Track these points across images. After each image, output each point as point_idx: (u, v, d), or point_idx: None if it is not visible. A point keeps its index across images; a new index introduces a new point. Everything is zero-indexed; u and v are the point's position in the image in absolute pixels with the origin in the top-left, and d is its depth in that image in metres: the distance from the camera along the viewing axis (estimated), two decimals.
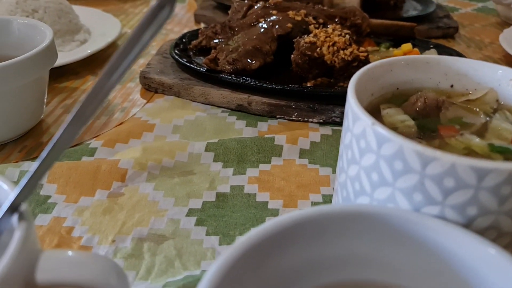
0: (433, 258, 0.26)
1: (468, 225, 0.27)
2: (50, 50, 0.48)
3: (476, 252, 0.24)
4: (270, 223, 0.25)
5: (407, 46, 0.65)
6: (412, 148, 0.27)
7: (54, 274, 0.23)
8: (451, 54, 0.68)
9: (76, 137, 0.25)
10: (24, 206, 0.24)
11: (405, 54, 0.64)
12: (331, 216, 0.25)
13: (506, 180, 0.25)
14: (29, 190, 0.24)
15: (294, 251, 0.26)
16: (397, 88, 0.38)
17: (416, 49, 0.65)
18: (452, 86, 0.39)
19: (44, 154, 0.24)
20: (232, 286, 0.23)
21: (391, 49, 0.67)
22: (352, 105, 0.31)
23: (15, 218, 0.24)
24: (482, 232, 0.27)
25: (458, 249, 0.25)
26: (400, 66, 0.38)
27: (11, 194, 0.24)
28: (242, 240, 0.24)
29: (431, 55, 0.40)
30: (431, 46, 0.70)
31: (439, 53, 0.68)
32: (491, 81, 0.38)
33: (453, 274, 0.25)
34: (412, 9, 0.94)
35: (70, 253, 0.24)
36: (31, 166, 0.45)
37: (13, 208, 0.24)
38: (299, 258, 0.26)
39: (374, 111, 0.36)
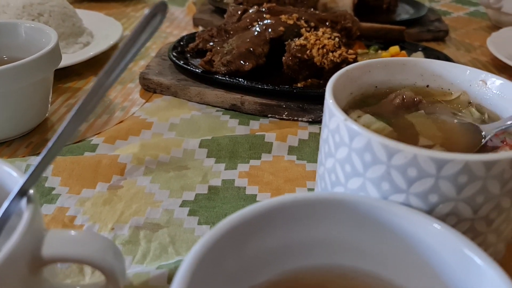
0: (399, 241, 0.29)
1: (430, 211, 0.30)
2: (55, 52, 0.52)
3: (434, 234, 0.27)
4: (249, 208, 0.28)
5: (394, 48, 0.68)
6: (379, 141, 0.30)
7: (58, 250, 0.26)
8: (438, 57, 0.71)
9: (77, 131, 0.28)
10: (31, 191, 0.27)
11: (392, 56, 0.67)
12: (306, 202, 0.28)
13: (462, 169, 0.28)
14: (36, 177, 0.27)
15: (271, 235, 0.28)
16: (376, 87, 0.41)
17: (403, 52, 0.68)
18: (427, 86, 0.42)
19: (49, 145, 0.27)
20: (213, 265, 0.26)
21: (379, 51, 0.70)
22: (328, 103, 0.34)
23: (23, 201, 0.27)
24: (443, 218, 0.30)
25: (420, 232, 0.28)
26: (378, 68, 0.41)
27: (20, 180, 0.27)
28: (223, 223, 0.27)
29: (407, 57, 0.43)
30: (419, 49, 0.73)
31: (427, 56, 0.71)
32: (463, 81, 0.41)
33: (416, 255, 0.28)
34: (404, 13, 0.97)
35: (72, 232, 0.28)
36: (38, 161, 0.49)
37: (22, 192, 0.27)
38: (276, 241, 0.29)
39: (352, 109, 0.39)
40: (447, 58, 0.70)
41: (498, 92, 0.39)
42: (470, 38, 0.93)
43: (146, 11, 0.28)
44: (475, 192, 0.29)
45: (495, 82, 0.39)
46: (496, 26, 0.99)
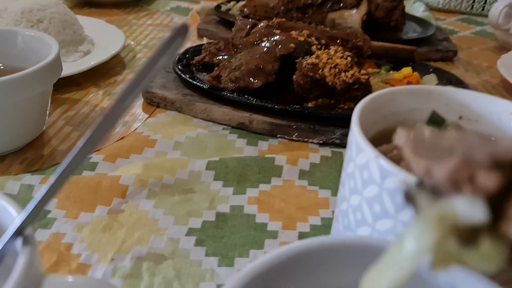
0: None
1: None
2: (56, 64, 0.49)
3: None
4: (273, 254, 0.25)
5: (407, 70, 0.66)
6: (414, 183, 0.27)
7: None
8: (450, 79, 0.70)
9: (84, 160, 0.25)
10: (29, 230, 0.24)
11: (405, 77, 0.65)
12: (332, 247, 0.25)
13: None
14: (35, 214, 0.24)
15: (297, 282, 0.26)
16: (400, 115, 0.39)
17: (416, 73, 0.66)
18: (460, 117, 0.40)
19: (52, 179, 0.24)
20: None
21: (391, 72, 0.68)
22: (356, 136, 0.31)
23: (19, 241, 0.24)
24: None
25: (457, 284, 0.25)
26: (403, 95, 0.39)
27: (17, 219, 0.24)
28: (246, 270, 0.24)
29: (433, 86, 0.41)
30: (431, 70, 0.71)
31: (439, 77, 0.69)
32: (492, 113, 0.38)
33: None
34: (412, 31, 0.95)
35: (71, 278, 0.25)
36: (32, 180, 0.46)
37: (18, 232, 0.24)
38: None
39: (378, 141, 0.36)
40: (459, 81, 0.68)
41: None
42: (478, 59, 0.92)
43: (166, 35, 0.25)
44: None
45: None
46: (503, 47, 0.98)
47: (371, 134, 0.37)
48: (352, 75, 0.59)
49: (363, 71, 0.60)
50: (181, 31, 0.25)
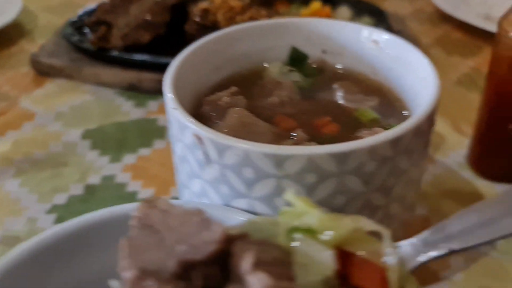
0: None
1: None
2: None
3: None
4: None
5: (316, 4, 0.60)
6: (207, 136, 0.23)
7: None
8: (370, 10, 0.64)
9: None
10: None
11: (313, 13, 0.60)
12: (91, 226, 0.22)
13: (307, 166, 0.22)
14: None
15: (60, 271, 0.23)
16: (251, 56, 0.35)
17: (326, 7, 0.61)
18: (324, 51, 0.35)
19: None
20: None
21: (302, 9, 0.62)
22: (164, 86, 0.27)
23: None
24: None
25: None
26: (253, 33, 0.34)
27: None
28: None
29: (290, 19, 0.36)
30: (346, 3, 0.65)
31: (356, 10, 0.63)
32: (355, 43, 0.34)
33: None
34: None
35: None
36: None
37: None
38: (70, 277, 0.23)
39: (226, 87, 0.32)
40: (377, 11, 0.63)
41: (391, 54, 0.32)
42: None
43: None
44: (331, 193, 0.23)
45: (387, 41, 0.32)
46: None
47: (214, 80, 0.34)
48: (250, 18, 0.54)
49: (262, 12, 0.55)
50: None
